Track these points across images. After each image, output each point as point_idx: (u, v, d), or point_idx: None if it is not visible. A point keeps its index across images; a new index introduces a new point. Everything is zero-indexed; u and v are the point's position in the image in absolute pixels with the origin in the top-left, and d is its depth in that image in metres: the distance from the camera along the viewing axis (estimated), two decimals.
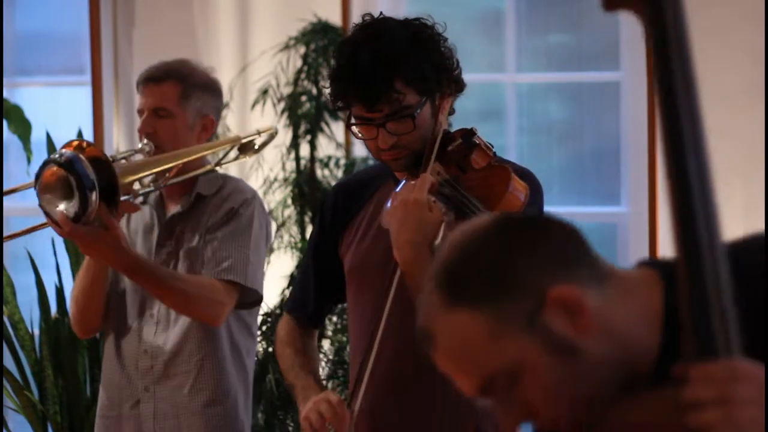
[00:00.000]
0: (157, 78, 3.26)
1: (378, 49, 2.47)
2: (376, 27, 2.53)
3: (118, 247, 2.98)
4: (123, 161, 3.20)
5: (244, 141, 3.40)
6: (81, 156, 2.92)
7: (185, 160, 3.20)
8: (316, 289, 2.76)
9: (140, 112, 3.28)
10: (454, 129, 2.59)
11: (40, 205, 2.97)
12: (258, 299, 3.26)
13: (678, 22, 1.27)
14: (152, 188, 3.18)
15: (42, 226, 3.12)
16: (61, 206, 2.94)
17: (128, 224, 3.32)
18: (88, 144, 3.03)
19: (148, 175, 3.14)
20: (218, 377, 3.23)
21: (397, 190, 2.44)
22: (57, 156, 2.94)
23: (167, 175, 3.18)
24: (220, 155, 3.48)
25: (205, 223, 3.22)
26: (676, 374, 1.23)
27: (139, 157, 3.24)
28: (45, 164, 2.97)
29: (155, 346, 3.24)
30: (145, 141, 3.22)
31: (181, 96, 3.24)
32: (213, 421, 3.23)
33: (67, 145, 3.00)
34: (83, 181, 2.89)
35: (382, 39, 2.49)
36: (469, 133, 2.49)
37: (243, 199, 3.24)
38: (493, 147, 2.53)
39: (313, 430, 2.46)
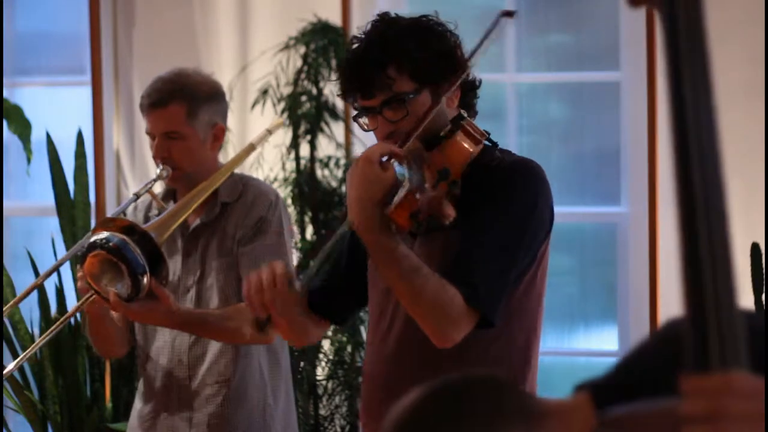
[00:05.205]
0: (161, 102, 3.21)
1: (372, 38, 2.52)
2: (379, 21, 2.57)
3: (170, 313, 3.01)
4: (147, 216, 3.29)
5: (258, 146, 3.42)
6: (128, 240, 2.91)
7: (213, 189, 3.21)
8: (329, 276, 2.70)
9: (150, 135, 3.26)
10: None
11: (88, 283, 2.98)
12: None
13: (693, 19, 1.20)
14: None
15: (89, 297, 3.10)
16: (112, 288, 2.94)
17: None
18: (114, 218, 3.05)
19: (182, 221, 3.15)
20: (252, 386, 3.25)
21: None
22: (103, 241, 2.93)
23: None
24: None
25: (233, 232, 3.22)
26: (680, 386, 1.19)
27: (159, 184, 3.27)
28: (91, 248, 2.94)
29: (192, 357, 3.26)
30: (162, 166, 3.21)
31: (189, 115, 3.21)
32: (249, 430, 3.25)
33: (101, 225, 2.99)
34: (134, 267, 2.92)
35: (378, 30, 2.53)
36: (457, 117, 2.51)
37: (268, 203, 3.24)
38: (488, 133, 2.53)
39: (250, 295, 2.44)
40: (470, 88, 2.61)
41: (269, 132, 3.42)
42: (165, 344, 3.28)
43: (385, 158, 2.38)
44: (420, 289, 2.34)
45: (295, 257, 4.67)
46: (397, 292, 2.41)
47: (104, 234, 2.94)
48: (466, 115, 2.54)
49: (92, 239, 2.95)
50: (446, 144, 2.45)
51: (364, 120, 2.54)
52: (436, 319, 2.37)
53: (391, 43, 2.50)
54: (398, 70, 2.48)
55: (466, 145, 2.45)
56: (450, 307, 2.36)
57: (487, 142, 2.54)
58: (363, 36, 2.55)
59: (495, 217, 2.43)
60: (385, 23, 2.55)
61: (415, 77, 2.49)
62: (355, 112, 2.58)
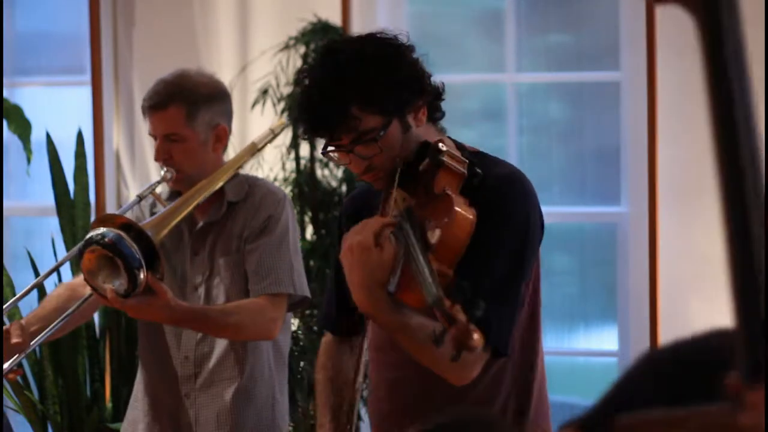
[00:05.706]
0: (160, 104, 3.20)
1: (326, 77, 2.40)
2: (326, 56, 2.45)
3: (168, 308, 2.99)
4: (152, 215, 3.27)
5: (260, 145, 3.41)
6: (124, 235, 2.91)
7: (213, 187, 3.21)
8: (337, 298, 2.70)
9: (152, 136, 3.27)
10: (453, 130, 2.56)
11: (86, 280, 2.98)
12: (303, 299, 3.26)
13: (733, 21, 1.17)
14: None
15: (88, 297, 3.12)
16: (109, 284, 2.93)
17: None
18: (112, 215, 3.04)
19: (180, 220, 3.14)
20: (262, 382, 3.25)
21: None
22: (99, 237, 2.93)
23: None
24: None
25: (240, 231, 3.23)
26: (729, 391, 1.15)
27: (163, 186, 3.27)
28: (87, 244, 2.94)
29: (199, 354, 3.26)
30: (165, 169, 3.21)
31: (188, 117, 3.20)
32: (256, 428, 3.26)
33: (97, 222, 2.99)
34: (131, 262, 2.90)
35: (329, 66, 2.41)
36: (435, 151, 2.38)
37: (276, 202, 3.24)
38: (465, 155, 2.42)
39: None
40: (435, 97, 2.48)
41: (273, 132, 3.41)
42: (171, 341, 3.28)
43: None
44: (438, 353, 2.24)
45: None
46: (417, 358, 2.36)
47: (101, 230, 2.94)
48: (443, 147, 2.40)
49: (88, 235, 2.96)
50: (440, 202, 2.32)
51: (335, 155, 2.46)
52: (456, 371, 2.34)
53: (348, 80, 2.37)
54: (362, 109, 2.36)
55: (463, 204, 2.29)
56: (467, 356, 2.27)
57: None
58: (313, 73, 2.43)
59: (492, 245, 2.35)
60: (333, 58, 2.42)
61: (380, 111, 2.38)
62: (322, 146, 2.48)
